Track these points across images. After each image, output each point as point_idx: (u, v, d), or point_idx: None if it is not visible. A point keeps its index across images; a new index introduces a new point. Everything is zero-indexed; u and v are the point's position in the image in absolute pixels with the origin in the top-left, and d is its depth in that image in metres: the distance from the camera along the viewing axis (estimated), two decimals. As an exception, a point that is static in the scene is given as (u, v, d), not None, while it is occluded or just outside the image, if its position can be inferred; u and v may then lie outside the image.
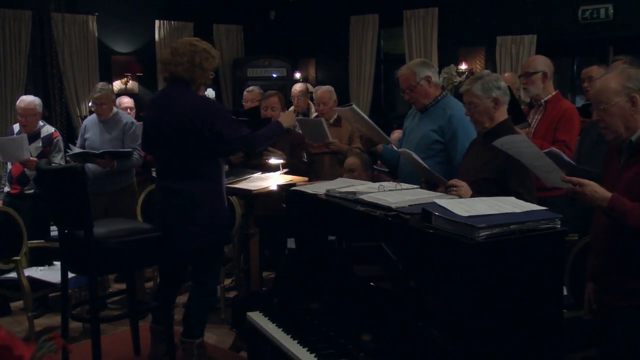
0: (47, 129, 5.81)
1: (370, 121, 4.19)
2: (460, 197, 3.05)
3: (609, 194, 2.63)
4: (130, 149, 5.52)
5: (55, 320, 5.28)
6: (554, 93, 4.55)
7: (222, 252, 4.35)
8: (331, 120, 5.78)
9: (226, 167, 5.33)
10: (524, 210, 2.47)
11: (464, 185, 3.19)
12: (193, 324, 4.25)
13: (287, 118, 4.41)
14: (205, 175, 4.01)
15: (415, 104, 4.21)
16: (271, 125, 4.29)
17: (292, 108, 7.41)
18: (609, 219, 2.69)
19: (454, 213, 2.38)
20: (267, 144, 4.47)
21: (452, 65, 9.17)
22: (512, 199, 2.66)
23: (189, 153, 3.96)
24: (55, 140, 5.79)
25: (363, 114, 4.16)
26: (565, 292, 3.66)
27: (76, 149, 5.59)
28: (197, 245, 4.06)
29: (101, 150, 5.40)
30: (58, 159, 5.75)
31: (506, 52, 8.99)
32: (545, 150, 3.07)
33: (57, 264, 4.91)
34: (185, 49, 3.99)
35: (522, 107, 4.68)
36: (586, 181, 2.67)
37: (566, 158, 3.55)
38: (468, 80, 3.52)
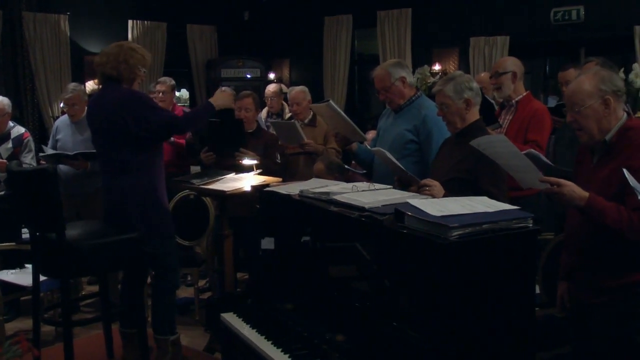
0: (18, 130, 5.74)
1: (347, 117, 4.20)
2: (433, 196, 3.07)
3: (586, 194, 2.66)
4: None
5: (26, 324, 5.21)
6: (524, 93, 4.60)
7: (172, 248, 4.33)
8: (306, 121, 5.78)
9: (198, 168, 5.32)
10: (497, 209, 2.48)
11: (436, 185, 3.21)
12: (161, 320, 4.28)
13: (221, 97, 4.40)
14: (136, 170, 4.07)
15: (390, 104, 4.24)
16: (201, 104, 4.43)
17: (265, 109, 7.40)
18: (585, 217, 2.71)
19: (426, 213, 2.39)
20: (197, 124, 4.56)
21: (425, 66, 9.23)
22: (485, 198, 2.68)
23: (118, 148, 4.05)
24: (25, 141, 5.72)
25: (339, 110, 4.18)
26: (537, 291, 3.69)
27: (49, 151, 5.53)
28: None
29: (74, 152, 5.34)
30: (29, 159, 5.69)
31: (479, 53, 9.05)
32: (524, 152, 3.09)
33: (29, 266, 4.85)
34: (112, 49, 4.17)
35: (496, 107, 4.73)
36: (564, 181, 2.69)
37: (544, 159, 3.58)
38: (440, 81, 3.55)
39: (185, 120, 4.34)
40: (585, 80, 2.77)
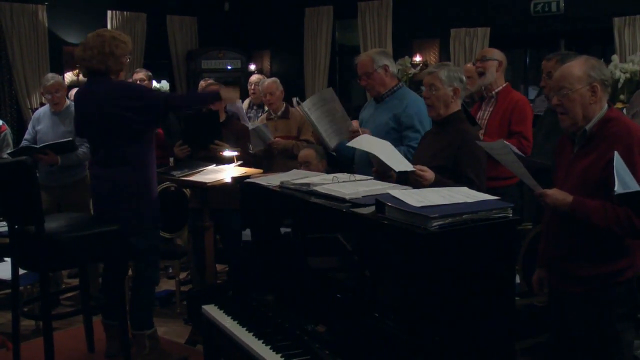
0: (-4, 122, 5.67)
1: (317, 124, 4.12)
2: (427, 179, 3.16)
3: (570, 198, 2.72)
4: (71, 138, 5.33)
5: (6, 318, 5.16)
6: (504, 85, 4.64)
7: (155, 244, 4.31)
8: (279, 113, 5.80)
9: (171, 161, 5.30)
10: (477, 200, 2.49)
11: (429, 170, 3.24)
12: (139, 315, 4.26)
13: (230, 93, 4.53)
14: (130, 162, 4.03)
15: (370, 91, 4.26)
16: (206, 91, 4.43)
17: (247, 100, 7.40)
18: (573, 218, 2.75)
19: (407, 203, 2.39)
20: (195, 104, 4.61)
21: (406, 57, 9.26)
22: (465, 189, 2.69)
23: (114, 140, 4.00)
24: (3, 135, 5.63)
25: (336, 99, 4.14)
26: (518, 280, 3.72)
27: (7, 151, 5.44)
28: (123, 233, 4.03)
29: (41, 145, 5.23)
30: (6, 155, 5.59)
31: (460, 44, 9.09)
32: (495, 142, 3.09)
33: (8, 260, 4.80)
34: (94, 41, 4.05)
35: (475, 98, 4.78)
36: (547, 192, 2.77)
37: (516, 151, 3.59)
38: (435, 65, 3.69)
39: (183, 96, 4.31)
40: (576, 65, 2.81)
